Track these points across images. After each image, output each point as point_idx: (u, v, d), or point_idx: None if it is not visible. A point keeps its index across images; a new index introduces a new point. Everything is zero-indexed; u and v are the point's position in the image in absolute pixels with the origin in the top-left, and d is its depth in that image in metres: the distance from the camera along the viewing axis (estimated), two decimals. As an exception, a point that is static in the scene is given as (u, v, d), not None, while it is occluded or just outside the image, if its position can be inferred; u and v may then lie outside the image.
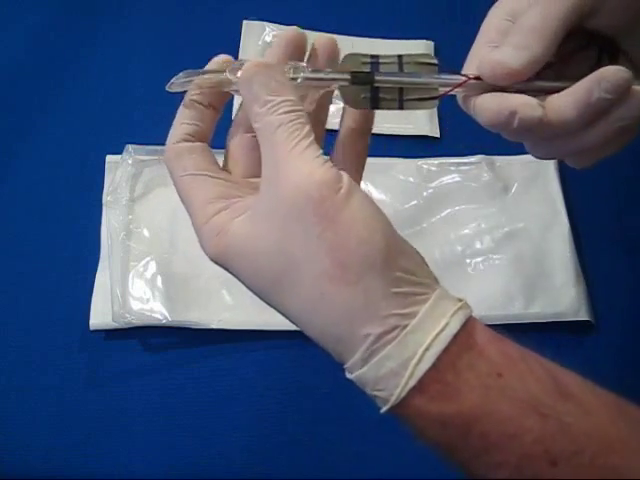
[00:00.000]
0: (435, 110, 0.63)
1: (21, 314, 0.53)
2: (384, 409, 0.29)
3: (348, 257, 0.27)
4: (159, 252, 0.55)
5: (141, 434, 0.49)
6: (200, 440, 0.49)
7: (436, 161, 0.61)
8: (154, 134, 0.60)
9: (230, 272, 0.31)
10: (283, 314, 0.30)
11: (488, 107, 0.33)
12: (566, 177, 0.60)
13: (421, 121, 0.62)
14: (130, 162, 0.58)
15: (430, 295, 0.28)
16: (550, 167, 0.60)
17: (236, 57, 0.65)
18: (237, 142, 0.33)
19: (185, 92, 0.34)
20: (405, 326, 0.27)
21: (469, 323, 0.28)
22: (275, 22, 0.66)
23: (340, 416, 0.50)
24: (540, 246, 0.57)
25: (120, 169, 0.57)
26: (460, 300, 0.29)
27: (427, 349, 0.27)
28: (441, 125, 0.62)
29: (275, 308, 0.30)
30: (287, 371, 0.52)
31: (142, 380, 0.51)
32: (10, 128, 0.61)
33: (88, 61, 0.65)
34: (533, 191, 0.60)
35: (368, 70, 0.33)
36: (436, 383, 0.27)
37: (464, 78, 0.33)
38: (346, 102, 0.33)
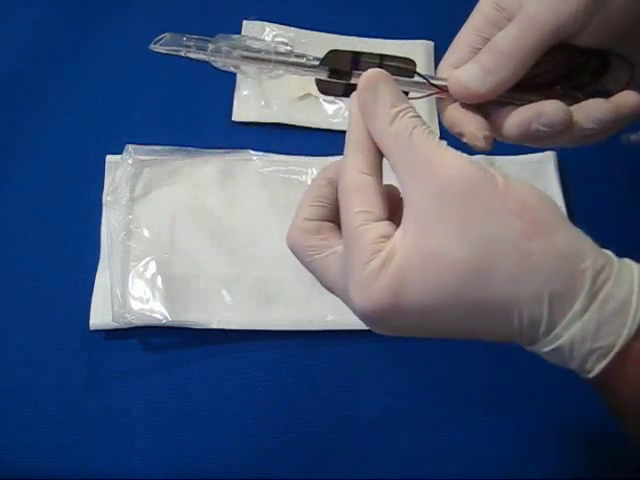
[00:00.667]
0: (435, 110, 0.63)
1: (21, 314, 0.53)
2: (608, 359, 0.27)
3: (537, 212, 0.27)
4: (159, 252, 0.55)
5: (141, 434, 0.49)
6: (200, 440, 0.49)
7: (436, 161, 0.61)
8: (154, 134, 0.60)
9: (400, 312, 0.28)
10: (484, 298, 0.27)
11: (447, 118, 0.36)
12: (566, 177, 0.60)
13: (421, 121, 0.62)
14: (130, 162, 0.58)
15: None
16: (550, 167, 0.60)
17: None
18: (368, 182, 0.30)
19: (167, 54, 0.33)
20: (613, 263, 0.27)
21: None
22: (275, 22, 0.66)
23: (340, 416, 0.50)
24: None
25: (120, 169, 0.57)
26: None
27: None
28: (441, 125, 0.62)
29: (473, 299, 0.27)
30: (287, 371, 0.52)
31: (142, 380, 0.51)
32: (10, 128, 0.61)
33: (88, 61, 0.65)
34: (533, 191, 0.60)
35: (346, 69, 0.33)
36: None
37: (434, 89, 0.35)
38: (319, 89, 0.34)
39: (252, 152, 0.60)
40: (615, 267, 0.27)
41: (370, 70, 0.31)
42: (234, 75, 0.64)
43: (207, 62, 0.32)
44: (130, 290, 0.52)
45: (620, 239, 0.60)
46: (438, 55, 0.66)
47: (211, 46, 0.32)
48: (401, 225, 0.29)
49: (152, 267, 0.54)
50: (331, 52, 0.33)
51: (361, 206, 0.29)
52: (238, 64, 0.33)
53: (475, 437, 0.50)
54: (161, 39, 0.32)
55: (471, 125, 0.34)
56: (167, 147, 0.59)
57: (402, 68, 0.34)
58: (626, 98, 0.34)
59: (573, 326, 0.27)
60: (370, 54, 0.34)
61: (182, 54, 0.32)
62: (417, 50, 0.66)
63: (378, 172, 0.31)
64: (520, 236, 0.27)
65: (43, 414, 0.50)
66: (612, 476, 0.49)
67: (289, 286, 0.54)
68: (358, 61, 0.33)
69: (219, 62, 0.32)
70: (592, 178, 0.60)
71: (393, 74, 0.33)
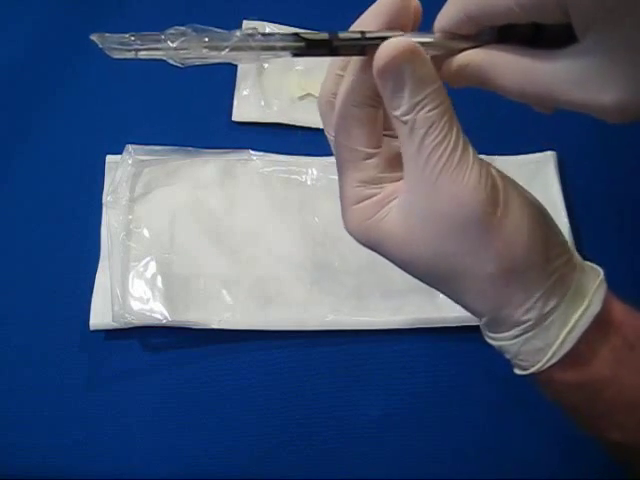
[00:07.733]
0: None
1: (21, 314, 0.53)
2: (520, 373, 0.31)
3: (514, 263, 0.28)
4: (159, 252, 0.55)
5: (141, 434, 0.49)
6: (200, 440, 0.49)
7: (436, 161, 0.61)
8: (154, 134, 0.61)
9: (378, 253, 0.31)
10: (443, 289, 0.30)
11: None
12: (566, 177, 0.60)
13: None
14: (130, 162, 0.58)
15: (574, 272, 0.29)
16: (550, 167, 0.60)
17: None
18: (356, 116, 0.30)
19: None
20: (554, 309, 0.29)
21: (606, 299, 0.30)
22: (275, 22, 0.66)
23: (340, 416, 0.50)
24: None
25: (120, 169, 0.57)
26: (597, 273, 0.30)
27: (570, 332, 0.29)
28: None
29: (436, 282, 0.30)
30: (287, 371, 0.52)
31: (142, 380, 0.51)
32: (10, 128, 0.61)
33: (88, 61, 0.64)
34: (533, 191, 0.59)
35: (326, 37, 0.29)
36: (573, 356, 0.29)
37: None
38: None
39: (252, 152, 0.60)
40: (555, 313, 0.29)
41: (391, 44, 0.27)
42: (234, 75, 0.64)
43: (164, 60, 0.27)
44: (130, 290, 0.52)
45: (620, 238, 0.60)
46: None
47: (167, 42, 0.27)
48: (393, 194, 0.29)
49: (152, 267, 0.54)
50: (295, 35, 0.28)
51: (356, 181, 0.30)
52: (201, 56, 0.27)
53: (476, 437, 0.50)
54: (107, 40, 0.27)
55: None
56: (167, 147, 0.59)
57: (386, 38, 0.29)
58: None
59: (501, 342, 0.30)
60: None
61: (132, 56, 0.27)
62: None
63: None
64: (486, 276, 0.28)
65: (43, 414, 0.50)
66: (622, 477, 0.49)
67: (289, 286, 0.54)
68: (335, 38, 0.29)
69: (178, 58, 0.27)
70: (592, 178, 0.60)
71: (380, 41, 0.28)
